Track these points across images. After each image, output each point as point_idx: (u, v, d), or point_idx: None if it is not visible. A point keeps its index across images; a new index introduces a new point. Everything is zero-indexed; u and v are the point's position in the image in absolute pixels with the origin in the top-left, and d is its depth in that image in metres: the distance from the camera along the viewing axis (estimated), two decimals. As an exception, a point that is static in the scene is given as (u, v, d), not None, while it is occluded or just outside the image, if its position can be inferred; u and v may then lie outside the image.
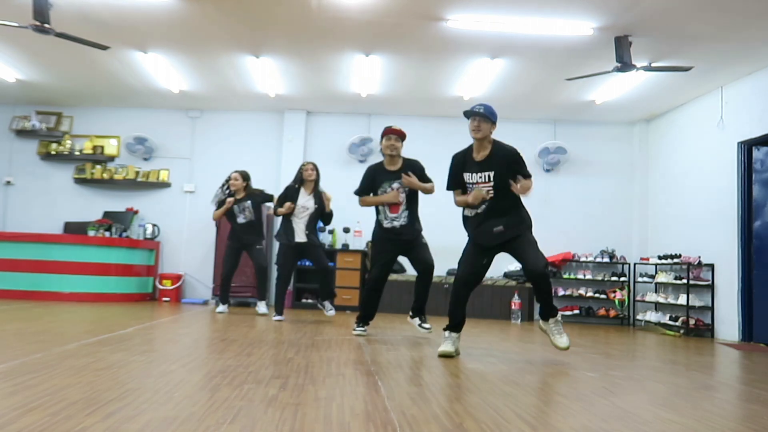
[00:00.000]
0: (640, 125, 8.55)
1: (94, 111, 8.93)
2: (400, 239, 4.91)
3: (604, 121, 8.59)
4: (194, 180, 8.83)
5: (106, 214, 8.40)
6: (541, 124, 8.69)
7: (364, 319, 5.04)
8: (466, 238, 4.10)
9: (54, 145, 8.79)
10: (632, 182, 8.58)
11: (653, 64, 6.02)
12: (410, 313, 5.08)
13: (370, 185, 4.98)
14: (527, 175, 3.96)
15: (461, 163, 4.04)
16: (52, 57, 6.90)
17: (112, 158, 8.85)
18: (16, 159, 8.86)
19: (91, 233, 7.80)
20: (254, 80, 7.44)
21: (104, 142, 8.87)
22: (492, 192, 3.89)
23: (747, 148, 6.52)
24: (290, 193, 6.28)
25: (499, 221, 3.91)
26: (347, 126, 8.72)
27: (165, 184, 8.80)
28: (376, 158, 8.51)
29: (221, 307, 6.81)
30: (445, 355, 3.87)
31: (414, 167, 4.92)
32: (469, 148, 4.05)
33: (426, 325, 5.01)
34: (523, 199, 4.01)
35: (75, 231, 8.13)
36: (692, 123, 7.45)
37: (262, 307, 6.80)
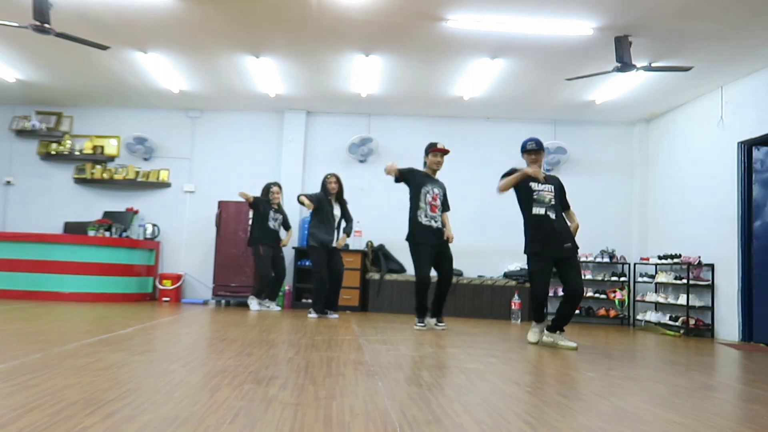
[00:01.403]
0: (640, 125, 8.55)
1: (94, 111, 8.93)
2: (438, 238, 5.67)
3: (604, 121, 8.59)
4: (194, 180, 8.83)
5: (106, 214, 8.40)
6: (541, 124, 8.69)
7: (422, 314, 5.71)
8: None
9: (54, 145, 8.79)
10: (632, 182, 8.58)
11: (653, 64, 6.03)
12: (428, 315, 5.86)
13: (410, 175, 5.75)
14: (567, 203, 4.99)
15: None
16: (52, 57, 6.90)
17: (112, 158, 8.86)
18: (16, 159, 8.86)
19: (91, 233, 7.80)
20: (254, 80, 7.44)
21: (104, 142, 8.87)
22: (554, 200, 4.77)
23: (747, 148, 6.52)
24: (323, 198, 6.74)
25: (566, 237, 4.70)
26: (347, 126, 8.72)
27: (165, 184, 8.80)
28: (376, 158, 8.59)
29: (272, 305, 7.39)
30: (532, 343, 4.84)
31: (445, 187, 5.87)
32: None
33: (441, 324, 5.80)
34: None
35: (75, 231, 8.13)
36: (692, 123, 7.45)
37: (275, 306, 7.46)
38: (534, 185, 4.79)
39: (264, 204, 7.35)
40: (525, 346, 4.77)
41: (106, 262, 7.66)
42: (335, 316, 6.70)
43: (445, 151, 5.78)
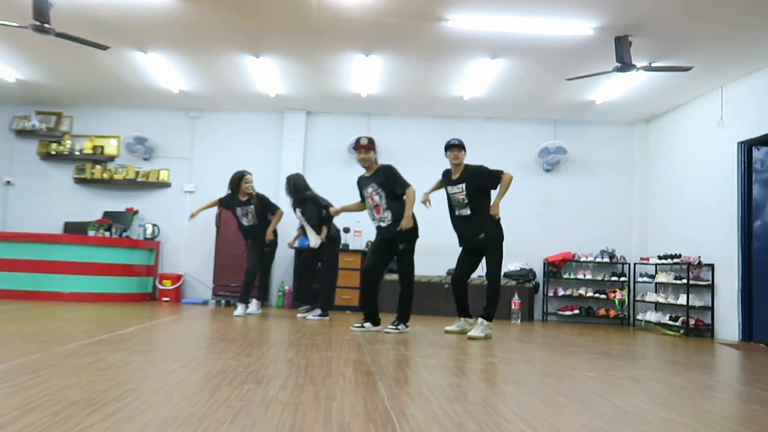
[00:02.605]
0: (640, 125, 8.55)
1: (94, 111, 8.93)
2: (385, 234, 5.38)
3: (604, 121, 8.59)
4: (194, 180, 8.83)
5: (106, 214, 8.40)
6: (541, 124, 8.69)
7: (365, 318, 5.41)
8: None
9: (54, 145, 8.79)
10: (632, 182, 8.58)
11: (653, 64, 6.03)
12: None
13: (360, 192, 5.60)
14: (496, 179, 5.23)
15: (445, 178, 5.48)
16: (52, 57, 6.90)
17: (112, 158, 8.86)
18: (16, 159, 8.86)
19: (91, 233, 7.80)
20: (254, 80, 7.44)
21: (104, 142, 8.87)
22: (466, 199, 5.25)
23: (747, 148, 6.52)
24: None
25: (479, 229, 5.22)
26: (347, 126, 8.71)
27: (165, 184, 8.80)
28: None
29: (239, 309, 6.46)
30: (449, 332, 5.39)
31: (384, 173, 5.38)
32: (450, 170, 5.46)
33: (391, 327, 5.27)
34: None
35: (75, 231, 8.13)
36: (692, 123, 7.45)
37: (242, 308, 6.52)
38: (449, 188, 5.36)
39: (230, 203, 6.62)
40: (525, 346, 4.77)
41: (106, 262, 7.66)
42: (320, 317, 6.33)
43: (364, 147, 5.37)
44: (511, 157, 8.67)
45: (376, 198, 5.33)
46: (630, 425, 2.18)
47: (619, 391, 2.90)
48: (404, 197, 5.25)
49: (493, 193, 5.35)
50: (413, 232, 5.28)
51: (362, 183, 5.53)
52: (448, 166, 5.51)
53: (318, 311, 6.42)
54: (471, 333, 5.11)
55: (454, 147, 5.31)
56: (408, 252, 5.29)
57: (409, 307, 5.36)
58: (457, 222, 5.38)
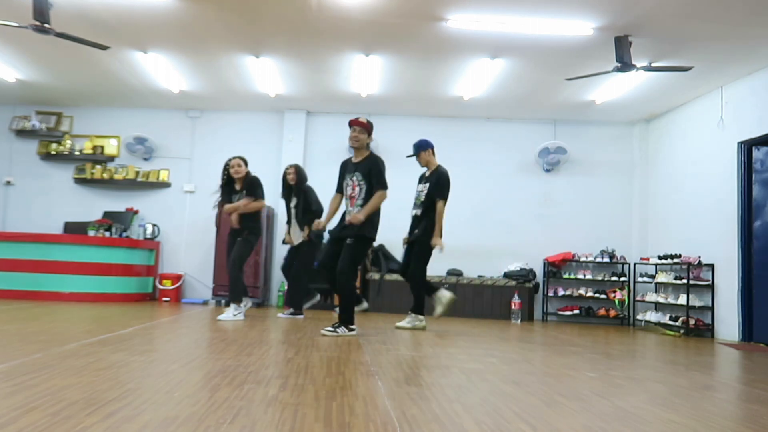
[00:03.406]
0: (640, 125, 8.55)
1: (94, 111, 8.93)
2: (339, 234, 4.91)
3: (604, 121, 8.59)
4: (194, 180, 8.83)
5: (106, 214, 8.40)
6: (541, 124, 8.69)
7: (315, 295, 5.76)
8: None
9: (54, 145, 8.79)
10: (632, 182, 8.58)
11: (653, 64, 6.03)
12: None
13: (340, 180, 5.14)
14: (435, 196, 5.52)
15: (421, 177, 5.82)
16: (52, 57, 6.90)
17: (112, 158, 8.86)
18: (16, 159, 8.86)
19: (91, 233, 7.79)
20: (254, 80, 7.44)
21: (104, 142, 8.87)
22: (424, 198, 5.60)
23: (747, 148, 6.52)
24: (286, 198, 6.68)
25: (418, 227, 5.60)
26: (347, 126, 8.68)
27: (165, 184, 8.80)
28: (376, 158, 8.56)
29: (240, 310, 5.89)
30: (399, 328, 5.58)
31: (371, 163, 4.90)
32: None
33: (327, 329, 4.75)
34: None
35: (75, 231, 8.12)
36: (692, 123, 7.45)
37: (237, 307, 5.85)
38: (419, 185, 5.72)
39: (224, 195, 6.02)
40: (525, 346, 4.77)
41: (106, 262, 7.65)
42: (292, 315, 6.38)
43: (361, 124, 4.94)
44: (511, 157, 8.68)
45: (357, 189, 4.87)
46: (630, 425, 2.18)
47: (619, 391, 2.90)
48: (374, 195, 4.82)
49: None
50: (364, 234, 4.79)
51: (348, 168, 5.03)
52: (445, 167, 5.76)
53: (291, 310, 6.51)
54: (398, 323, 5.67)
55: (416, 156, 5.73)
56: (353, 250, 4.75)
57: (347, 308, 4.81)
58: (412, 220, 5.73)
